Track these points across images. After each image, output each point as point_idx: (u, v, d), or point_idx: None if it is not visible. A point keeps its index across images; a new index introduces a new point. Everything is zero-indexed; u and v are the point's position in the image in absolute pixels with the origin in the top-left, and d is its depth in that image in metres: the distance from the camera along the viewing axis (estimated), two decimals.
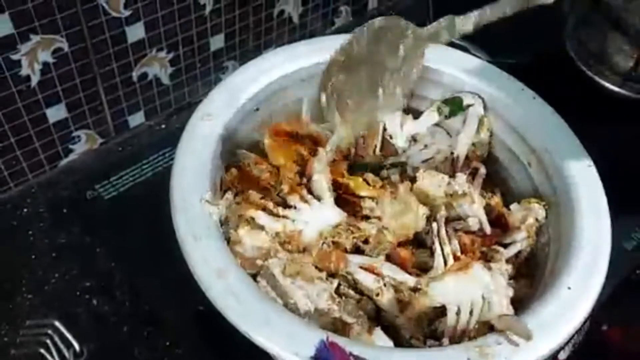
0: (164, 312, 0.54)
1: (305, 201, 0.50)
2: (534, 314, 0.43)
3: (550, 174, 0.53)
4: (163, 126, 0.71)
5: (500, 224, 0.53)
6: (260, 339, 0.40)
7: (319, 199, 0.50)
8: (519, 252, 0.52)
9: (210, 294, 0.42)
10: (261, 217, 0.48)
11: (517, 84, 0.58)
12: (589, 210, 0.49)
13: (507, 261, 0.50)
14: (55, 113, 0.61)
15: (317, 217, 0.49)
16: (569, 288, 0.44)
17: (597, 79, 0.70)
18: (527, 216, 0.52)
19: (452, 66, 0.59)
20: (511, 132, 0.57)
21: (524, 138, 0.56)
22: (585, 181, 0.51)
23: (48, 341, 0.51)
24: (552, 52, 0.74)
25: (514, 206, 0.54)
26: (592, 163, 0.52)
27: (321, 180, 0.51)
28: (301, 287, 0.45)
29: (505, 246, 0.51)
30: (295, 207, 0.49)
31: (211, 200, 0.47)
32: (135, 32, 0.62)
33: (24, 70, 0.56)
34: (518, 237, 0.52)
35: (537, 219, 0.52)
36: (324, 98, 0.55)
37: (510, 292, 0.46)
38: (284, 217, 0.49)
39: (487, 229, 0.52)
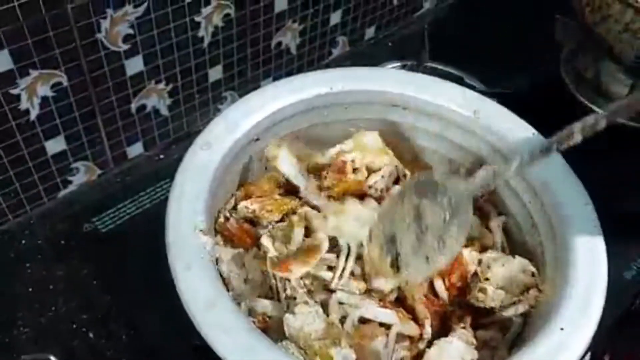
0: (161, 345, 0.54)
1: None
2: (525, 355, 0.42)
3: (548, 212, 0.52)
4: (162, 157, 0.71)
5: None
6: None
7: None
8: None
9: (198, 324, 0.42)
10: None
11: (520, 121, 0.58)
12: (585, 252, 0.48)
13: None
14: (54, 146, 0.62)
15: None
16: (562, 329, 0.43)
17: (592, 107, 0.71)
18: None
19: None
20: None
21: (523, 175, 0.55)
22: (582, 221, 0.50)
23: None
24: (547, 81, 0.75)
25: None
26: (589, 201, 0.51)
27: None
28: None
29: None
30: None
31: (205, 230, 0.47)
32: (134, 65, 0.62)
33: (23, 104, 0.56)
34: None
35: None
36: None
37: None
38: None
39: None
